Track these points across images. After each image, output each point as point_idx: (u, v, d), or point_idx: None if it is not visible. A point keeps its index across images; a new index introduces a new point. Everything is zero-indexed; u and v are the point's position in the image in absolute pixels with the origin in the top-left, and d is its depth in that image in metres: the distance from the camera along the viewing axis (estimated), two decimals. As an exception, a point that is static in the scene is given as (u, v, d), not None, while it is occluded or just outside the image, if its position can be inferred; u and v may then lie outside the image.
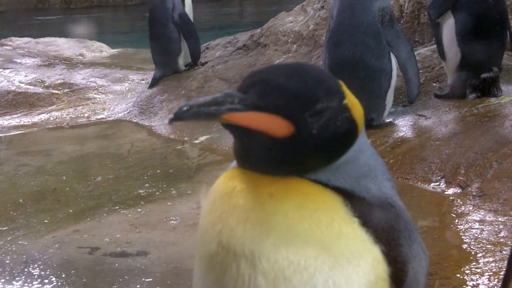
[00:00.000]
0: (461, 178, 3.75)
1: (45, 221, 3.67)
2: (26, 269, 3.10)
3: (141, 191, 4.06)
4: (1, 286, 2.94)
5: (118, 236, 3.43)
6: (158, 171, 4.46)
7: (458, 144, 3.99)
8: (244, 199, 0.91)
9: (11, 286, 2.95)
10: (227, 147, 4.81)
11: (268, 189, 0.91)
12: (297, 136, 0.90)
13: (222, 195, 0.94)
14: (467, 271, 2.92)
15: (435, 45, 4.74)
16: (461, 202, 3.54)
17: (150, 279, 3.00)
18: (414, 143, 4.24)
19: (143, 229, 3.50)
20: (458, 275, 2.90)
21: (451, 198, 3.63)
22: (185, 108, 0.85)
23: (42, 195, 4.14)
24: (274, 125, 0.89)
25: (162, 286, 2.91)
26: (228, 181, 0.94)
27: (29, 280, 3.01)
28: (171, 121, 0.86)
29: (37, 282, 2.98)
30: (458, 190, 3.67)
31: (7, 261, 3.24)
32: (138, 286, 2.93)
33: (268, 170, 0.91)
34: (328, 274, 0.86)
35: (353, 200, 0.92)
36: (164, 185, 4.14)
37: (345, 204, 0.91)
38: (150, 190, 4.07)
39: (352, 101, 0.98)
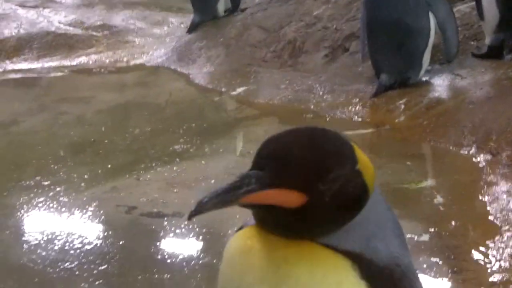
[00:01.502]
0: (492, 144, 3.78)
1: (85, 176, 3.81)
2: (66, 228, 3.26)
3: (177, 146, 4.17)
4: (43, 245, 3.11)
5: (155, 195, 3.56)
6: (195, 125, 4.55)
7: (491, 109, 4.00)
8: (260, 260, 0.98)
9: (52, 245, 3.12)
10: (264, 100, 4.88)
11: (283, 252, 0.99)
12: (310, 205, 0.96)
13: (240, 252, 1.02)
14: (491, 244, 3.00)
15: (475, 2, 4.67)
16: (490, 171, 3.58)
17: (184, 243, 3.14)
18: (448, 105, 4.26)
19: (179, 188, 3.62)
20: (482, 247, 2.97)
21: (481, 165, 3.67)
22: (205, 200, 0.91)
23: (82, 147, 4.28)
24: (289, 198, 0.95)
25: (194, 251, 3.05)
26: (246, 240, 1.02)
27: (69, 240, 3.17)
28: (191, 216, 0.92)
29: (77, 242, 3.14)
30: (489, 157, 3.70)
31: (49, 219, 3.40)
32: (172, 250, 3.07)
33: (282, 233, 0.98)
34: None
35: (362, 262, 0.99)
36: (200, 141, 4.23)
37: (353, 268, 0.98)
38: (186, 146, 4.17)
39: (364, 164, 1.02)
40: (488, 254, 2.92)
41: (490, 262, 2.87)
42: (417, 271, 1.06)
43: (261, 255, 0.99)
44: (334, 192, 0.97)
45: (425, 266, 2.88)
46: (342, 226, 1.00)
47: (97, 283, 2.82)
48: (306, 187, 0.96)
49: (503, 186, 3.38)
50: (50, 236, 3.19)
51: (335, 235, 1.00)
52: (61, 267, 2.93)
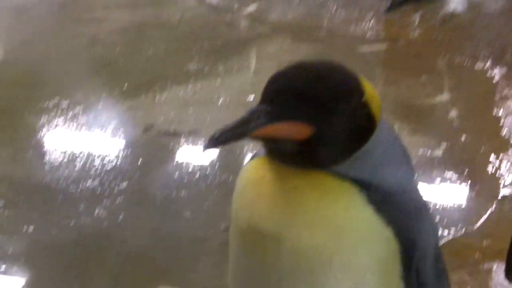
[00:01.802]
0: (508, 57, 3.78)
1: (102, 97, 3.85)
2: (86, 148, 3.34)
3: (192, 66, 4.18)
4: (65, 165, 3.20)
5: (171, 114, 3.61)
6: (208, 44, 4.54)
7: (507, 22, 3.98)
8: (271, 189, 1.03)
9: (74, 164, 3.20)
10: (277, 17, 4.85)
11: (292, 181, 1.03)
12: (317, 137, 0.99)
13: (252, 182, 1.06)
14: (505, 157, 3.04)
15: None
16: (505, 84, 3.59)
17: (202, 160, 3.22)
18: (463, 19, 4.23)
19: (195, 107, 3.67)
20: (495, 161, 3.02)
21: (496, 79, 3.68)
22: (216, 135, 0.94)
23: (98, 68, 4.29)
24: (297, 131, 0.98)
25: (211, 169, 3.13)
26: (257, 170, 1.05)
27: (90, 159, 3.25)
28: (205, 149, 0.95)
29: (98, 161, 3.22)
30: (504, 71, 3.70)
31: (70, 139, 3.48)
32: (190, 168, 3.15)
33: (292, 164, 1.02)
34: (345, 255, 1.00)
35: (369, 189, 1.02)
36: (214, 60, 4.24)
37: (361, 194, 1.02)
38: (200, 65, 4.18)
39: (371, 95, 1.03)
40: (501, 168, 2.97)
41: (503, 176, 2.92)
42: (423, 196, 1.09)
43: (271, 184, 1.03)
44: (340, 124, 0.99)
45: (438, 180, 2.94)
46: (350, 155, 1.03)
47: (117, 200, 2.92)
48: (313, 119, 0.98)
49: (517, 100, 3.41)
50: (71, 156, 3.27)
51: (343, 164, 1.03)
52: (83, 185, 3.02)
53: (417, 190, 1.08)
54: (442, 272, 1.11)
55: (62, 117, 3.65)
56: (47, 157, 3.27)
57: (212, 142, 0.94)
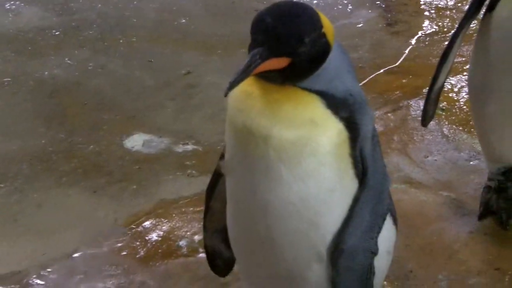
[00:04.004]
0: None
1: None
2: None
3: None
4: (27, 14, 3.41)
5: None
6: None
7: None
8: (259, 101, 1.43)
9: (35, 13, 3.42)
10: None
11: (274, 95, 1.43)
12: (293, 64, 1.38)
13: (243, 96, 1.45)
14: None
15: None
16: None
17: (158, 7, 3.49)
18: None
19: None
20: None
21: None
22: (232, 81, 1.30)
23: None
24: (279, 63, 1.37)
25: (170, 12, 3.41)
26: (247, 87, 1.44)
27: (49, 7, 3.47)
28: (226, 94, 1.31)
29: (58, 9, 3.45)
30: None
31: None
32: (145, 11, 3.42)
33: (274, 81, 1.41)
34: (313, 144, 1.42)
35: (327, 97, 1.44)
36: None
37: (321, 102, 1.44)
38: None
39: (327, 27, 1.42)
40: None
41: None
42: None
43: (259, 98, 1.43)
44: (308, 52, 1.38)
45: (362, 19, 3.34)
46: (313, 73, 1.43)
47: (84, 48, 3.19)
48: (290, 53, 1.36)
49: None
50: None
51: (308, 80, 1.43)
52: (49, 34, 3.27)
53: (360, 91, 1.48)
54: (376, 144, 1.56)
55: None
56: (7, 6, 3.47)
57: (230, 86, 1.31)
